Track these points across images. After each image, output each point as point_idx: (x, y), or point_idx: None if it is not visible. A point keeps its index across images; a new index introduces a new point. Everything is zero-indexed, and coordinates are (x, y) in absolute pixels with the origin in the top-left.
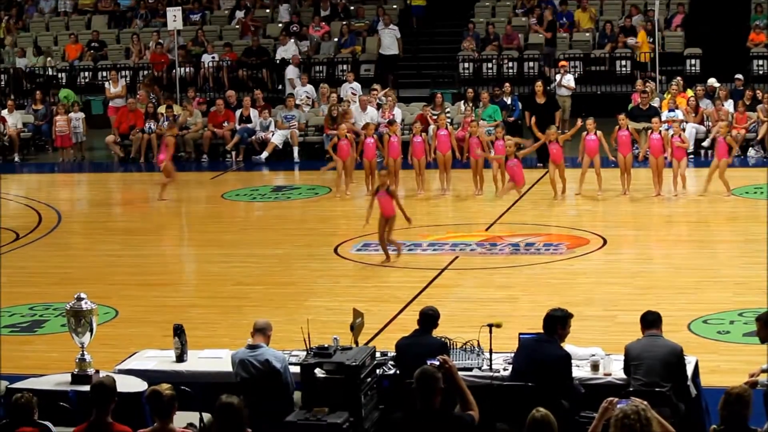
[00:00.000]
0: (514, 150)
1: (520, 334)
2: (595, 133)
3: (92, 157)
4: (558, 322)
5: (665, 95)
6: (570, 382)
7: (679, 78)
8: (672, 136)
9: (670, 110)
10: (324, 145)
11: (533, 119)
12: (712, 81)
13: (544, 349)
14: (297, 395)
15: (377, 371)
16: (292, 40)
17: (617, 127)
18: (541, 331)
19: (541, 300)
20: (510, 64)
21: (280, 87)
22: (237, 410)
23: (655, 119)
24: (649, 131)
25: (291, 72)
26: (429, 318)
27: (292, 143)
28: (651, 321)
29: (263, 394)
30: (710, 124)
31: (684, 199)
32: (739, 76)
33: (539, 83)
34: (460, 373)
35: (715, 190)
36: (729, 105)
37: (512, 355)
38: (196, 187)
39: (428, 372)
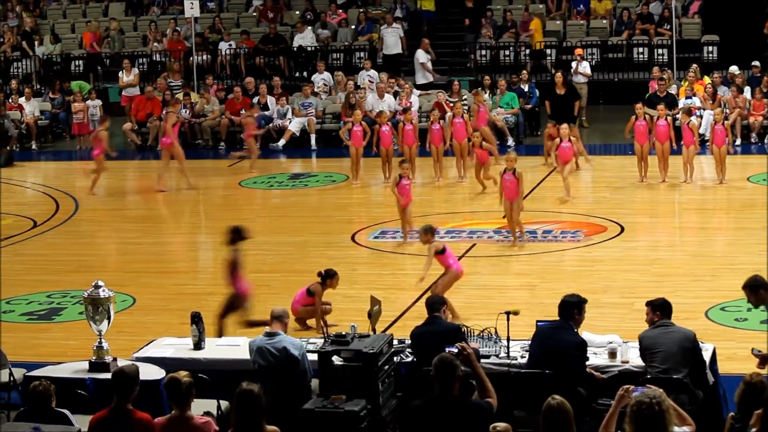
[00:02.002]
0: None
1: (537, 321)
2: (569, 140)
3: (109, 145)
4: (574, 307)
5: (682, 82)
6: (584, 368)
7: (695, 65)
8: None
9: (687, 97)
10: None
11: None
12: (734, 69)
13: (560, 335)
14: (314, 383)
15: (395, 359)
16: (309, 28)
17: (634, 116)
18: (558, 318)
19: (559, 287)
20: (527, 51)
21: (297, 74)
22: (257, 398)
23: (660, 106)
24: (656, 118)
25: (422, 56)
26: (429, 307)
27: (310, 131)
28: (668, 310)
29: (281, 382)
30: (728, 111)
31: (701, 186)
32: (756, 63)
33: (559, 74)
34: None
35: (730, 177)
36: (746, 92)
37: (529, 342)
38: (213, 175)
39: (446, 359)
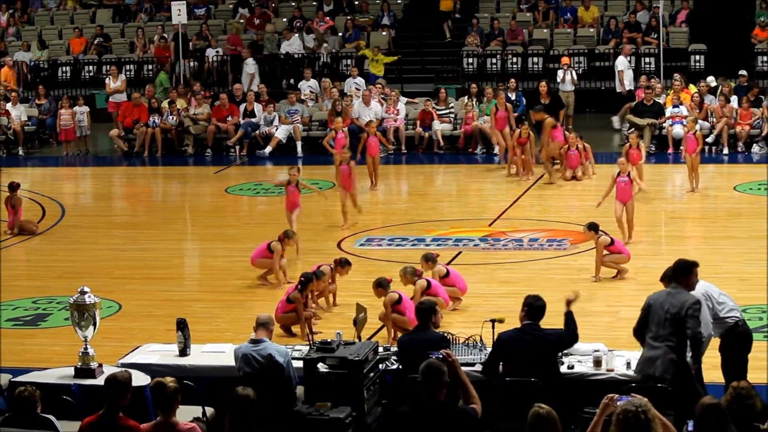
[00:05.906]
0: (348, 156)
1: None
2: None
3: (96, 151)
4: (544, 310)
5: (669, 91)
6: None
7: (677, 74)
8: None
9: (674, 106)
10: None
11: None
12: (710, 79)
13: (545, 337)
14: (300, 390)
15: (380, 366)
16: (296, 35)
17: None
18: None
19: (544, 295)
20: (514, 60)
21: (284, 81)
22: (252, 403)
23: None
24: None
25: (621, 63)
26: (422, 312)
27: (296, 138)
28: (671, 274)
29: (266, 389)
30: (714, 120)
31: (687, 195)
32: (744, 72)
33: (543, 84)
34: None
35: (717, 186)
36: (733, 101)
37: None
38: (199, 182)
39: (434, 365)
